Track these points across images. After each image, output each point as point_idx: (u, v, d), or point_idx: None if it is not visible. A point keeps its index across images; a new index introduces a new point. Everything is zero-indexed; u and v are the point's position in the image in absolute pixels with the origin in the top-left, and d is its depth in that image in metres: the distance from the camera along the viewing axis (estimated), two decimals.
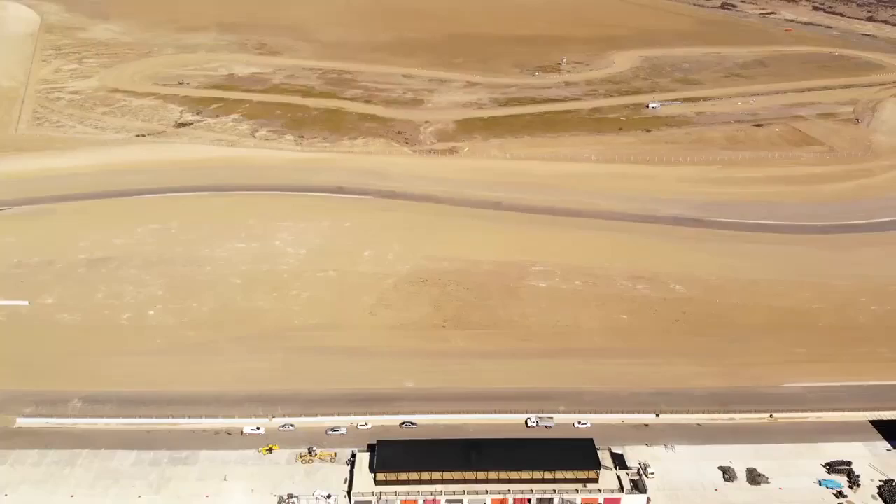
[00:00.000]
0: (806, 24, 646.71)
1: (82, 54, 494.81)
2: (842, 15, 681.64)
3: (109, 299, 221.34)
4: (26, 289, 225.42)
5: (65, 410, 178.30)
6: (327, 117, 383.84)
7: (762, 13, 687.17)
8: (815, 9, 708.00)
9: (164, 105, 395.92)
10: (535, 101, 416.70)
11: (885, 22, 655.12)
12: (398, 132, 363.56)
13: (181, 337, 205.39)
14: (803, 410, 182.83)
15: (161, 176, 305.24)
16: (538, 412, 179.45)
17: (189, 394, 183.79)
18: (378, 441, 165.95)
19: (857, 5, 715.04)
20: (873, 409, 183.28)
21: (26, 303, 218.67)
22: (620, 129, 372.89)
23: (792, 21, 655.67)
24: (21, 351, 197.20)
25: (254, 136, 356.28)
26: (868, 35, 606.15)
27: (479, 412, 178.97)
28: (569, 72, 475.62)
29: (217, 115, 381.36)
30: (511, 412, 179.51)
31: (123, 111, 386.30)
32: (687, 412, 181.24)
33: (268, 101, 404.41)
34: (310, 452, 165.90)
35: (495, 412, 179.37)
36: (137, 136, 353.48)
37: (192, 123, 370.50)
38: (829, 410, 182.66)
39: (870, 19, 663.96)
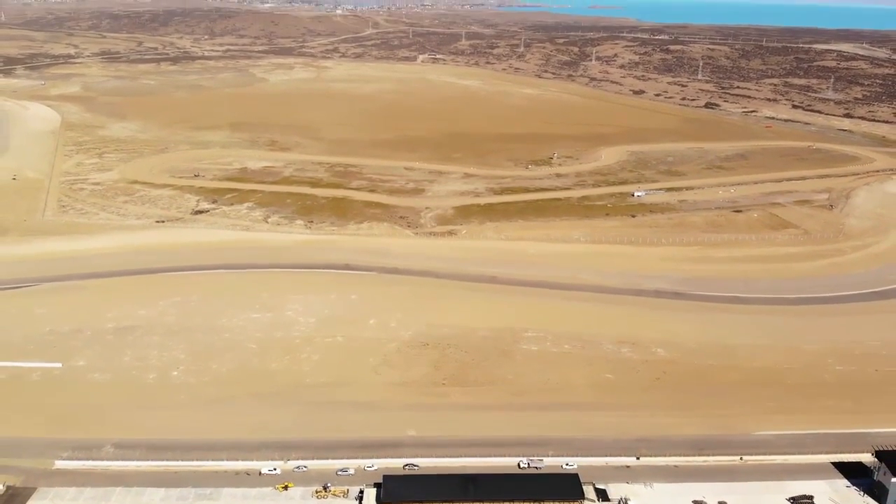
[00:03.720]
0: (786, 121, 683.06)
1: (102, 150, 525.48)
2: (820, 112, 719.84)
3: (136, 361, 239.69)
4: (58, 353, 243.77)
5: (98, 455, 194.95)
6: (334, 205, 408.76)
7: (744, 111, 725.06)
8: (795, 107, 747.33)
9: (181, 195, 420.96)
10: (528, 190, 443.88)
11: (862, 118, 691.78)
12: (400, 217, 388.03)
13: (202, 393, 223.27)
14: (771, 453, 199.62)
15: (180, 256, 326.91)
16: (529, 456, 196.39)
17: (211, 441, 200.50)
18: (384, 476, 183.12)
19: (835, 103, 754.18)
20: (836, 453, 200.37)
21: (59, 364, 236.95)
22: (607, 214, 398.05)
23: (772, 118, 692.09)
24: (56, 404, 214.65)
25: (266, 222, 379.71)
26: (845, 130, 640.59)
27: (475, 455, 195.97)
28: (560, 165, 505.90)
29: (232, 204, 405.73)
30: (505, 455, 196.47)
31: (143, 200, 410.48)
32: (665, 455, 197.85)
33: (279, 192, 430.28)
34: (325, 489, 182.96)
35: (490, 455, 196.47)
36: (157, 222, 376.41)
37: (208, 211, 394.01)
38: (794, 454, 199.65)
39: (847, 116, 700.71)
